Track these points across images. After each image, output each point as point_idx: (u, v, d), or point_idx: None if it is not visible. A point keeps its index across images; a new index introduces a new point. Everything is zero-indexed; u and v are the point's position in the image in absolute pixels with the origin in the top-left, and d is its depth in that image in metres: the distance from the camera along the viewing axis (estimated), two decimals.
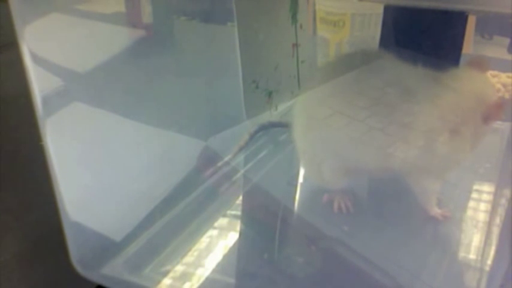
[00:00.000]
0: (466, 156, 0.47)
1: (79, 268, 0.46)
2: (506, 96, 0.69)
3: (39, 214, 0.51)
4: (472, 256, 0.46)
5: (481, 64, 0.48)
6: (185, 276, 0.45)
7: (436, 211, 0.49)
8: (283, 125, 0.68)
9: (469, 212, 0.51)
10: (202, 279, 0.45)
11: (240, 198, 0.57)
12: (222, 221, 0.53)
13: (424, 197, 0.50)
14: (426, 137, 0.45)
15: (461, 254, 0.46)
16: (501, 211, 0.51)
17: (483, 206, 0.52)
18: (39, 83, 0.40)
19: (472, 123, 0.45)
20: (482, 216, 0.50)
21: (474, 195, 0.53)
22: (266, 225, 0.53)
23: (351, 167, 0.49)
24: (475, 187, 0.55)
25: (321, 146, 0.51)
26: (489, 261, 0.44)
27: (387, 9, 0.59)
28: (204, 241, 0.49)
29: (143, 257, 0.47)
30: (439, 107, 0.44)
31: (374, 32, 0.68)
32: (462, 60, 0.55)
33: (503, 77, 0.71)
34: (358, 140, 0.46)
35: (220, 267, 0.46)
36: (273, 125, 0.69)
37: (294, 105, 0.57)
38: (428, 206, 0.49)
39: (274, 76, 0.68)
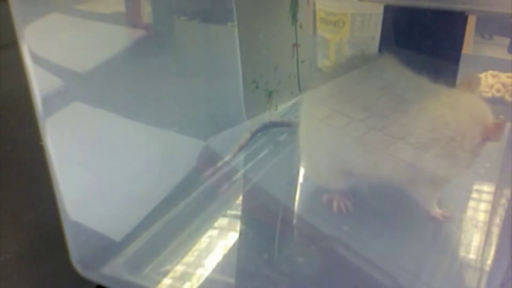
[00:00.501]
0: (464, 169, 0.47)
1: (79, 268, 0.46)
2: (506, 96, 0.69)
3: (39, 214, 0.51)
4: (472, 256, 0.46)
5: (471, 84, 0.48)
6: (185, 276, 0.45)
7: (436, 211, 0.50)
8: (284, 125, 0.68)
9: (469, 212, 0.51)
10: (202, 279, 0.45)
11: (240, 198, 0.57)
12: (222, 221, 0.53)
13: (424, 200, 0.50)
14: (420, 147, 0.44)
15: (461, 254, 0.46)
16: (501, 211, 0.51)
17: (483, 206, 0.52)
18: (39, 83, 0.40)
19: (468, 140, 0.45)
20: (482, 216, 0.50)
21: (474, 195, 0.53)
22: (266, 225, 0.53)
23: (347, 169, 0.49)
24: (475, 187, 0.55)
25: (318, 145, 0.51)
26: (489, 261, 0.44)
27: (387, 9, 0.59)
28: (204, 241, 0.49)
29: (143, 257, 0.47)
30: (433, 119, 0.44)
31: (374, 32, 0.68)
32: (462, 60, 0.55)
33: (503, 77, 0.71)
34: (352, 143, 0.47)
35: (220, 267, 0.46)
36: (274, 124, 0.69)
37: (300, 104, 0.57)
38: (428, 207, 0.50)
39: (274, 76, 0.68)
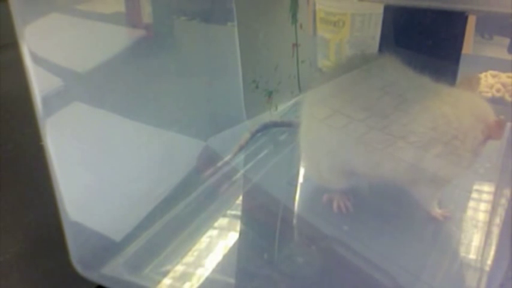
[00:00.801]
0: (465, 168, 0.47)
1: (79, 268, 0.46)
2: (506, 96, 0.69)
3: (39, 214, 0.51)
4: (472, 256, 0.46)
5: (471, 83, 0.48)
6: (185, 276, 0.45)
7: (436, 211, 0.50)
8: (285, 125, 0.68)
9: (469, 212, 0.51)
10: (202, 279, 0.45)
11: (240, 198, 0.57)
12: (222, 221, 0.53)
13: (425, 200, 0.50)
14: (421, 146, 0.45)
15: (461, 254, 0.46)
16: (501, 211, 0.51)
17: (483, 206, 0.52)
18: (39, 83, 0.40)
19: (470, 139, 0.45)
20: (482, 216, 0.50)
21: (474, 195, 0.53)
22: (266, 225, 0.53)
23: (347, 169, 0.49)
24: (475, 187, 0.55)
25: (318, 145, 0.51)
26: (489, 261, 0.44)
27: (387, 9, 0.59)
28: (204, 241, 0.49)
29: (143, 257, 0.47)
30: (435, 118, 0.44)
31: (374, 32, 0.68)
32: (462, 60, 0.55)
33: (503, 77, 0.71)
34: (356, 142, 0.46)
35: (220, 267, 0.46)
36: (275, 124, 0.69)
37: (300, 104, 0.57)
38: (429, 207, 0.50)
39: (274, 76, 0.68)
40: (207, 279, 0.45)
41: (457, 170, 0.47)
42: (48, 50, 0.40)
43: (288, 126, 0.68)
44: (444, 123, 0.44)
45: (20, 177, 0.51)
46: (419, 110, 0.45)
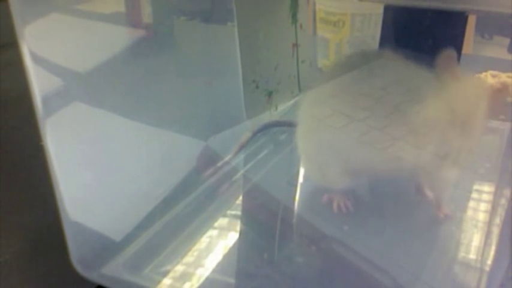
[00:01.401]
0: (472, 149, 0.47)
1: (79, 268, 0.46)
2: (507, 96, 0.69)
3: (39, 214, 0.51)
4: (472, 256, 0.46)
5: (450, 60, 0.47)
6: (185, 276, 0.45)
7: (442, 209, 0.50)
8: (287, 124, 0.68)
9: (469, 212, 0.51)
10: (202, 279, 0.45)
11: (240, 198, 0.57)
12: (222, 221, 0.53)
13: (434, 195, 0.50)
14: (432, 135, 0.44)
15: (461, 254, 0.46)
16: (501, 211, 0.51)
17: (483, 206, 0.52)
18: (39, 83, 0.40)
19: (474, 119, 0.45)
20: (482, 216, 0.50)
21: (474, 195, 0.53)
22: (266, 225, 0.53)
23: (354, 168, 0.49)
24: (475, 187, 0.55)
25: (322, 146, 0.51)
26: (489, 261, 0.44)
27: (387, 9, 0.59)
28: (204, 241, 0.49)
29: (143, 257, 0.47)
30: (444, 103, 0.44)
31: (374, 32, 0.68)
32: (462, 60, 0.55)
33: (503, 77, 0.71)
34: (360, 142, 0.46)
35: (220, 267, 0.46)
36: (277, 123, 0.68)
37: (298, 105, 0.57)
38: (437, 203, 0.50)
39: (274, 76, 0.68)
40: (207, 279, 0.45)
41: (466, 161, 0.47)
42: (48, 50, 0.40)
43: (290, 125, 0.68)
44: (453, 115, 0.44)
45: (20, 177, 0.51)
46: (425, 106, 0.44)
